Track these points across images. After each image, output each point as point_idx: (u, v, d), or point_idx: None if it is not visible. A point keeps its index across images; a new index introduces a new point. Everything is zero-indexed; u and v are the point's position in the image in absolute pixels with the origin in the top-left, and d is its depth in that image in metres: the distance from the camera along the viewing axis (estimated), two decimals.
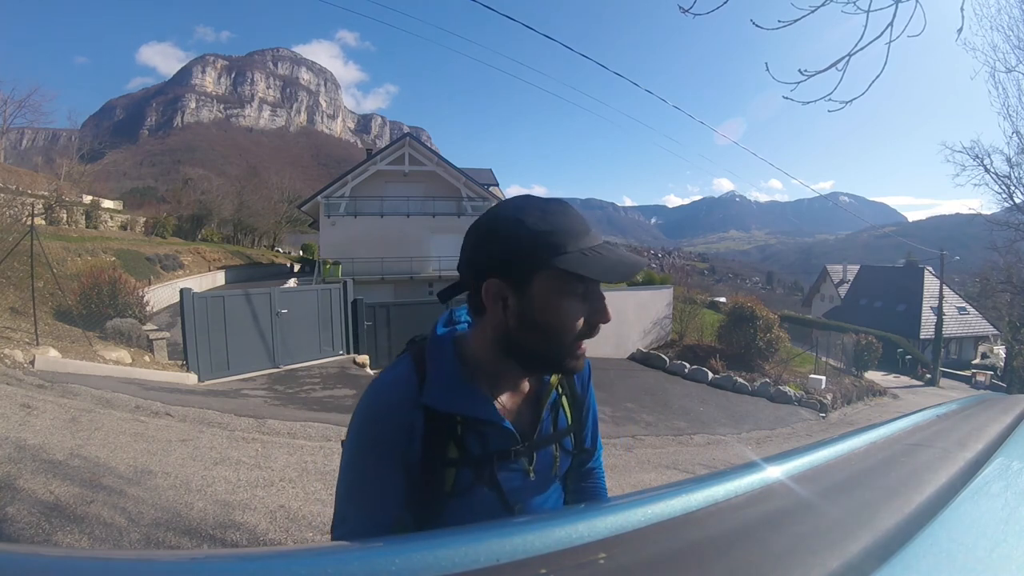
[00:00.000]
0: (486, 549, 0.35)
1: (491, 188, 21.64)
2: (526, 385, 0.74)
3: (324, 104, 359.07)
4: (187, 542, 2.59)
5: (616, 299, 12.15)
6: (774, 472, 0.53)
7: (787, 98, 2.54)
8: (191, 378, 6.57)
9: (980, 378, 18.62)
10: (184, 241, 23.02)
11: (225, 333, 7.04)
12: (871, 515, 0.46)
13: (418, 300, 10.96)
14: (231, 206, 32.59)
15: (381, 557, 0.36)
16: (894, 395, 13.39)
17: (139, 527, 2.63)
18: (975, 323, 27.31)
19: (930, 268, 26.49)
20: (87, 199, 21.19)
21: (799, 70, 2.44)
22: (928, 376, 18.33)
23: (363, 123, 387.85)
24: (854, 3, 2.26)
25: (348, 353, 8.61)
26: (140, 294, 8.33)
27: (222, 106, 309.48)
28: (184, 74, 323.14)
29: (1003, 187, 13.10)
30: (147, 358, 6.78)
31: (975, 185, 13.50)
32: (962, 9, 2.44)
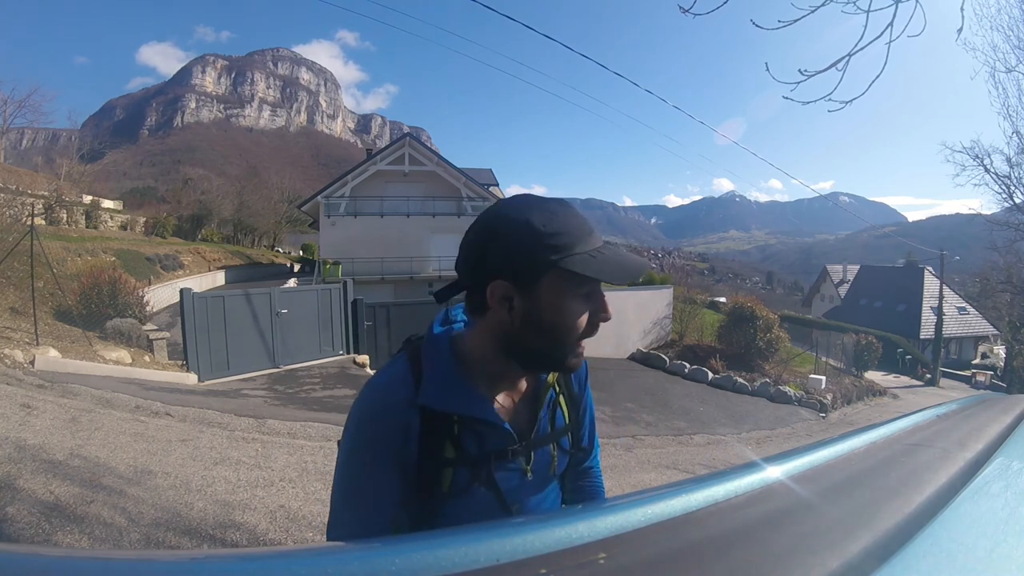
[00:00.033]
0: (486, 549, 0.35)
1: (491, 188, 21.64)
2: (523, 384, 0.74)
3: (324, 104, 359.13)
4: (187, 542, 2.59)
5: (616, 299, 12.15)
6: (774, 472, 0.53)
7: (787, 98, 2.54)
8: (191, 378, 6.57)
9: (980, 378, 18.62)
10: (184, 241, 23.02)
11: (225, 333, 7.04)
12: (871, 515, 0.46)
13: (418, 300, 10.95)
14: (231, 206, 32.59)
15: (381, 557, 0.36)
16: (894, 395, 13.40)
17: (139, 527, 2.63)
18: (975, 323, 27.31)
19: (930, 268, 26.49)
20: (87, 199, 21.19)
21: (799, 70, 2.44)
22: (928, 376, 18.33)
23: (363, 123, 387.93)
24: (854, 3, 2.26)
25: (348, 353, 8.61)
26: (140, 294, 8.33)
27: (222, 106, 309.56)
28: (184, 74, 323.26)
29: (1003, 187, 13.11)
30: (147, 358, 6.78)
31: (975, 185, 13.52)
32: (962, 9, 2.44)
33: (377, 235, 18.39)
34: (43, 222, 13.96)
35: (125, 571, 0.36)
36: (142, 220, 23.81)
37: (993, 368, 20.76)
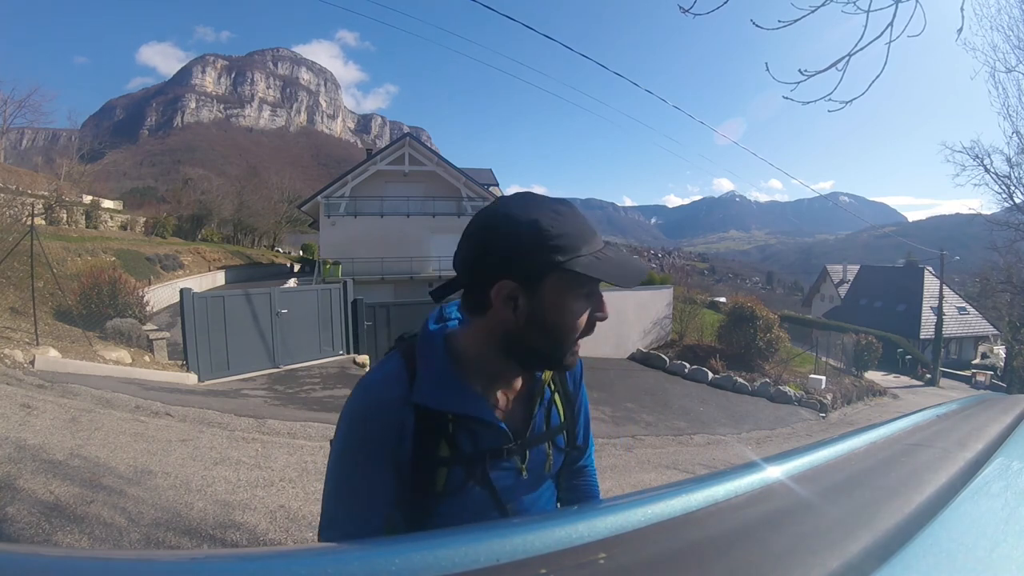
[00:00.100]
0: (486, 549, 0.35)
1: (491, 188, 21.65)
2: (518, 383, 0.73)
3: (324, 104, 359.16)
4: (187, 542, 2.59)
5: (616, 299, 12.15)
6: (774, 472, 0.53)
7: (787, 98, 2.54)
8: (191, 378, 6.57)
9: (980, 378, 18.62)
10: (184, 241, 23.01)
11: (225, 333, 7.04)
12: (871, 515, 0.46)
13: (418, 300, 10.96)
14: (231, 206, 32.59)
15: (381, 557, 0.36)
16: (894, 395, 13.40)
17: (139, 527, 2.63)
18: (975, 323, 27.31)
19: (930, 268, 26.49)
20: (87, 199, 21.19)
21: (799, 70, 2.44)
22: (928, 376, 18.33)
23: (363, 123, 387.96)
24: (854, 3, 2.26)
25: (348, 353, 8.61)
26: (140, 294, 8.33)
27: (222, 106, 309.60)
28: (184, 74, 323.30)
29: (1003, 187, 13.11)
30: (147, 358, 6.78)
31: (975, 185, 13.52)
32: (962, 9, 2.44)
33: (377, 235, 18.40)
34: (43, 222, 13.96)
35: (125, 571, 0.36)
36: (142, 220, 23.80)
37: (993, 368, 20.76)
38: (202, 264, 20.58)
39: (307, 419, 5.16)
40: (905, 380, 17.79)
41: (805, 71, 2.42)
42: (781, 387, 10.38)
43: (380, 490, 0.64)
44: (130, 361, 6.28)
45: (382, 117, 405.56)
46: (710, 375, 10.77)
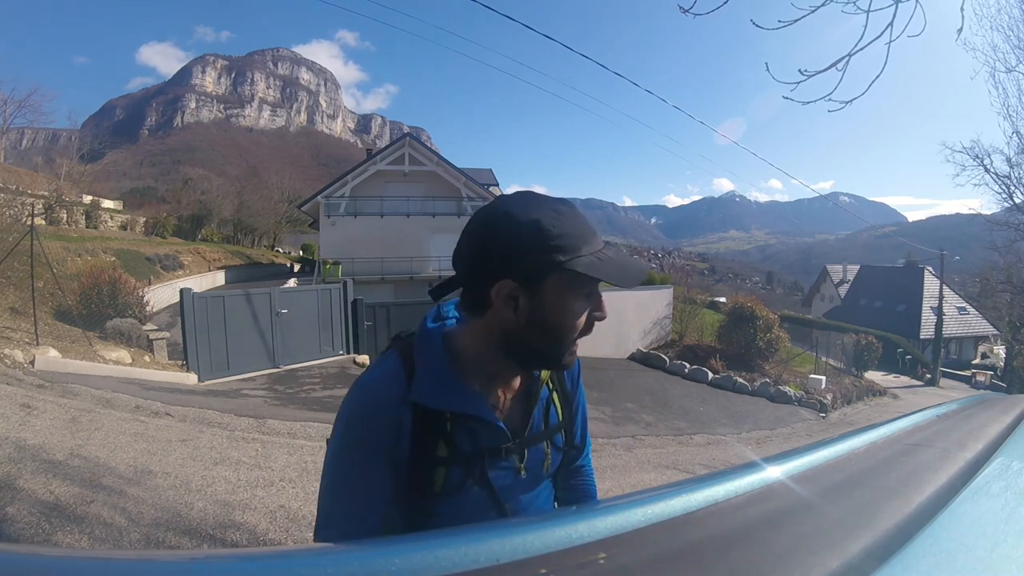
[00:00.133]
0: (486, 549, 0.35)
1: (491, 188, 21.65)
2: (516, 382, 0.73)
3: (324, 104, 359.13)
4: (187, 542, 2.59)
5: (616, 299, 12.15)
6: (774, 472, 0.52)
7: (787, 98, 2.54)
8: (191, 378, 6.57)
9: (980, 378, 18.62)
10: (184, 241, 23.01)
11: (225, 333, 7.04)
12: (871, 515, 0.46)
13: (418, 300, 10.96)
14: (231, 206, 32.59)
15: (381, 557, 0.36)
16: (894, 395, 13.39)
17: (139, 527, 2.63)
18: (975, 323, 27.32)
19: (930, 268, 26.49)
20: (87, 199, 21.19)
21: (799, 70, 2.44)
22: (928, 376, 18.33)
23: (363, 123, 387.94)
24: (854, 3, 2.26)
25: (348, 353, 8.61)
26: (140, 294, 8.33)
27: (222, 106, 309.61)
28: (184, 74, 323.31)
29: (1003, 187, 13.11)
30: (147, 358, 6.78)
31: (975, 185, 13.52)
32: (962, 9, 2.44)
33: (377, 235, 18.40)
34: (43, 222, 13.96)
35: (125, 571, 0.36)
36: (142, 220, 23.80)
37: (993, 368, 20.76)
38: (202, 264, 20.58)
39: (307, 419, 5.16)
40: (905, 380, 17.79)
41: (805, 71, 2.42)
42: (781, 387, 10.38)
43: (377, 489, 0.64)
44: (130, 361, 6.28)
45: (382, 117, 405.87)
46: (710, 375, 10.76)
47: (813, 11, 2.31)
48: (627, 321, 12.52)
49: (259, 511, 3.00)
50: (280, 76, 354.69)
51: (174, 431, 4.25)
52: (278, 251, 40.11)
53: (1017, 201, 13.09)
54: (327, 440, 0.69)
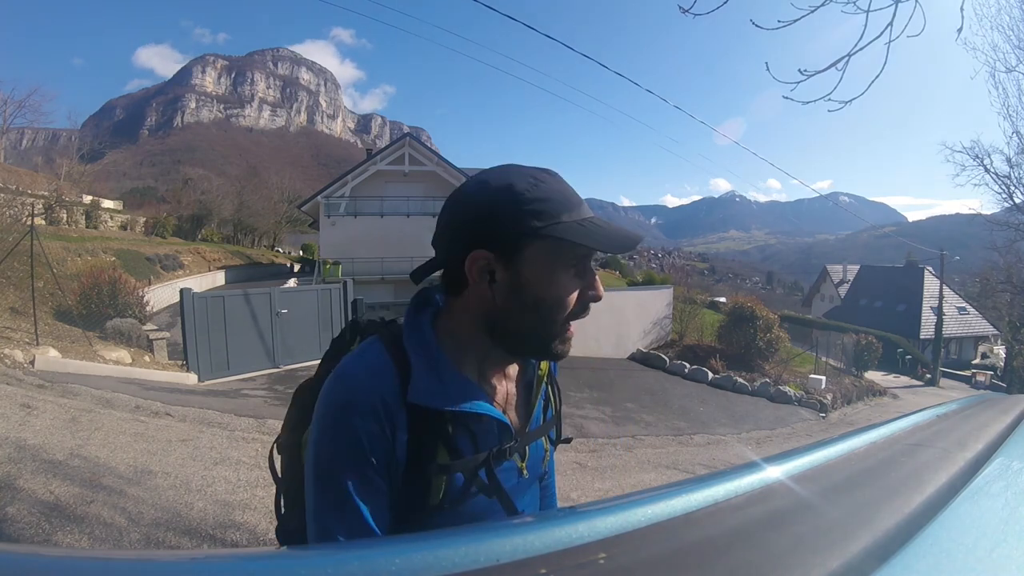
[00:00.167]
0: (486, 549, 0.35)
1: None
2: (512, 371, 0.67)
3: (324, 104, 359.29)
4: (187, 542, 2.59)
5: (616, 299, 12.16)
6: (774, 472, 0.52)
7: (787, 98, 2.54)
8: (191, 378, 6.57)
9: (980, 378, 18.61)
10: (184, 241, 23.01)
11: (225, 333, 7.04)
12: (871, 515, 0.46)
13: None
14: (231, 206, 32.59)
15: (381, 557, 0.36)
16: (894, 395, 13.39)
17: (139, 527, 2.63)
18: (975, 323, 27.33)
19: (930, 268, 26.50)
20: (87, 199, 21.20)
21: (799, 70, 2.44)
22: (928, 376, 18.33)
23: (363, 123, 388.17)
24: (854, 3, 2.26)
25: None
26: (140, 294, 8.34)
27: (222, 106, 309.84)
28: (184, 74, 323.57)
29: (1003, 187, 13.14)
30: (147, 358, 6.78)
31: (975, 185, 13.57)
32: (962, 9, 2.44)
33: (377, 235, 18.39)
34: (43, 222, 13.96)
35: (125, 571, 0.36)
36: (142, 220, 23.81)
37: (993, 368, 20.76)
38: (202, 264, 20.58)
39: None
40: (905, 380, 17.78)
41: (805, 71, 2.42)
42: (781, 387, 10.38)
43: (373, 501, 0.55)
44: (130, 361, 6.29)
45: (382, 117, 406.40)
46: (710, 375, 10.76)
47: (813, 11, 2.31)
48: (627, 321, 12.52)
49: (259, 511, 3.00)
50: (280, 76, 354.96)
51: (174, 431, 4.25)
52: (278, 251, 40.10)
53: (1017, 201, 13.11)
54: (301, 444, 0.64)
